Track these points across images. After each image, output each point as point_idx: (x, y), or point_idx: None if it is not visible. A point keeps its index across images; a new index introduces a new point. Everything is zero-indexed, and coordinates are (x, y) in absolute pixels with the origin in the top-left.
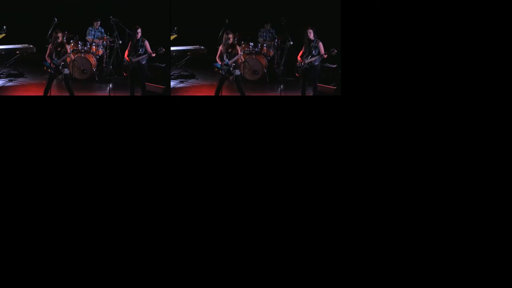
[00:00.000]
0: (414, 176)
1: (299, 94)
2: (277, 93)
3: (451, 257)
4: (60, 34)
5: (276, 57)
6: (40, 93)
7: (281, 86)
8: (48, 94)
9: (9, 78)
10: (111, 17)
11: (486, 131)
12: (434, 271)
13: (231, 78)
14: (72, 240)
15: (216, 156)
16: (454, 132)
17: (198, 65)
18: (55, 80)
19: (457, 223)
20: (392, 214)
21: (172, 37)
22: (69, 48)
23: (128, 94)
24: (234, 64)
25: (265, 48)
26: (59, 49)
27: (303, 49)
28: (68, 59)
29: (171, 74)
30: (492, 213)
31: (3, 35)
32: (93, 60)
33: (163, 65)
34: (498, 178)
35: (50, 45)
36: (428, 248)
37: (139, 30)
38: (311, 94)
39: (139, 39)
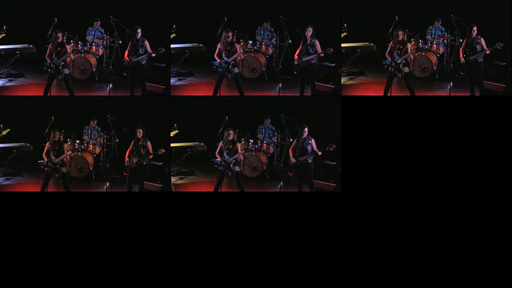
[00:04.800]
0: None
1: (297, 93)
2: (276, 92)
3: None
4: (60, 34)
5: (274, 56)
6: (40, 93)
7: (280, 84)
8: (48, 94)
9: (9, 78)
10: (111, 17)
11: None
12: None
13: (229, 76)
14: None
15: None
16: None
17: (196, 63)
18: (55, 80)
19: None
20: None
21: (171, 36)
22: (69, 48)
23: (128, 94)
24: (232, 62)
25: (263, 46)
26: (59, 49)
27: (300, 47)
28: (68, 59)
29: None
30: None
31: (3, 35)
32: (93, 60)
33: (163, 65)
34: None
35: (50, 45)
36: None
37: (139, 30)
38: (309, 93)
39: (139, 39)
